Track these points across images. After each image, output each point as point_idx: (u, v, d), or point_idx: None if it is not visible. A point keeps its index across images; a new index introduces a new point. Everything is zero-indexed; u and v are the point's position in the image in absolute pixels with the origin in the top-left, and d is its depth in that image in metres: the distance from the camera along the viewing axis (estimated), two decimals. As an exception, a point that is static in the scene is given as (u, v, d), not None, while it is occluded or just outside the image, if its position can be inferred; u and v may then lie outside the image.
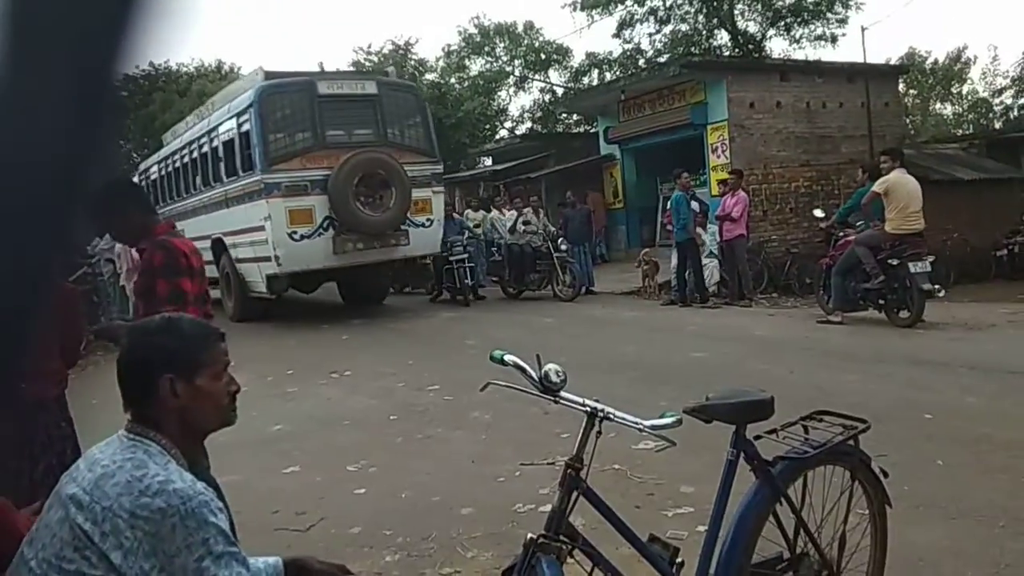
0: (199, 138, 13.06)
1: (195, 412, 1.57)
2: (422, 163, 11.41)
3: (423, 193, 11.27)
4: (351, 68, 25.58)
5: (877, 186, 8.40)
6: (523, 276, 12.85)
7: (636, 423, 2.09)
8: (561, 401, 2.07)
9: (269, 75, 10.91)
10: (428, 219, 11.42)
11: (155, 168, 16.28)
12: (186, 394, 1.55)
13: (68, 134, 0.66)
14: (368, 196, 10.58)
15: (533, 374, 2.04)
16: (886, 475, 2.55)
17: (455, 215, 13.90)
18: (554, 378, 2.02)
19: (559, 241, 12.59)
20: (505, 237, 13.37)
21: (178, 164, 14.58)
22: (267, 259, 10.46)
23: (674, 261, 11.45)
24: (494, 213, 14.87)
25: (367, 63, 25.65)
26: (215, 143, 12.05)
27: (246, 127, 10.70)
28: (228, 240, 11.51)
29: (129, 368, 1.56)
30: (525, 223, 13.01)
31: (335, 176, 10.30)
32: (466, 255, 12.37)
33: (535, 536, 1.98)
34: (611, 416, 2.07)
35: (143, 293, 3.07)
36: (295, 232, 10.30)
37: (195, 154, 13.38)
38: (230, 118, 11.33)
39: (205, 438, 1.66)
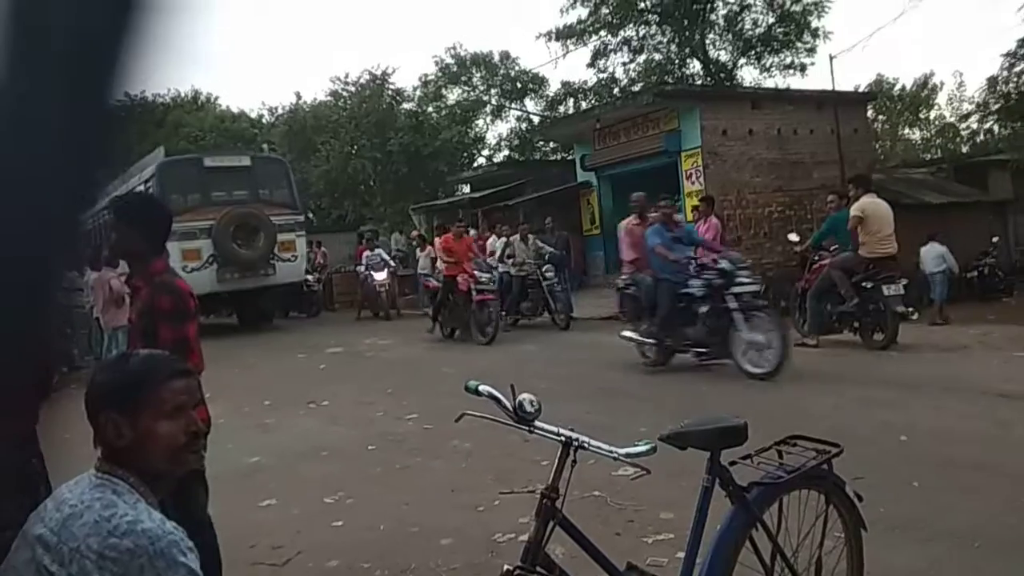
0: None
1: (143, 453, 1.49)
2: (287, 214, 15.21)
3: (288, 236, 15.00)
4: (328, 98, 25.79)
5: (855, 211, 8.51)
6: (517, 305, 12.63)
7: (611, 451, 2.10)
8: (536, 431, 2.07)
9: (168, 154, 15.14)
10: (293, 255, 15.12)
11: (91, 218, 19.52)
12: (130, 434, 1.48)
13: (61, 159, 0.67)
14: (243, 239, 14.25)
15: (507, 404, 2.05)
16: (860, 499, 2.56)
17: (529, 237, 13.08)
18: (528, 408, 2.03)
19: (543, 269, 12.31)
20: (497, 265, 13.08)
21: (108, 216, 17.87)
22: None
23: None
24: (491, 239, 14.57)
25: (344, 92, 25.75)
26: None
27: (151, 190, 13.63)
28: None
29: (84, 406, 1.52)
30: (509, 257, 12.76)
31: (217, 225, 13.97)
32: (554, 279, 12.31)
33: (511, 568, 1.97)
34: (586, 445, 2.08)
35: (143, 335, 2.91)
36: (187, 266, 13.29)
37: None
38: (141, 183, 14.22)
39: (167, 479, 1.56)
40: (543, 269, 12.30)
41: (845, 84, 37.62)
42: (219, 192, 14.55)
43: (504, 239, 13.55)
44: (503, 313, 12.10)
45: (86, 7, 0.67)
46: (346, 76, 26.01)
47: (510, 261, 12.73)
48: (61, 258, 0.76)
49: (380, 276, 15.81)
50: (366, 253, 16.75)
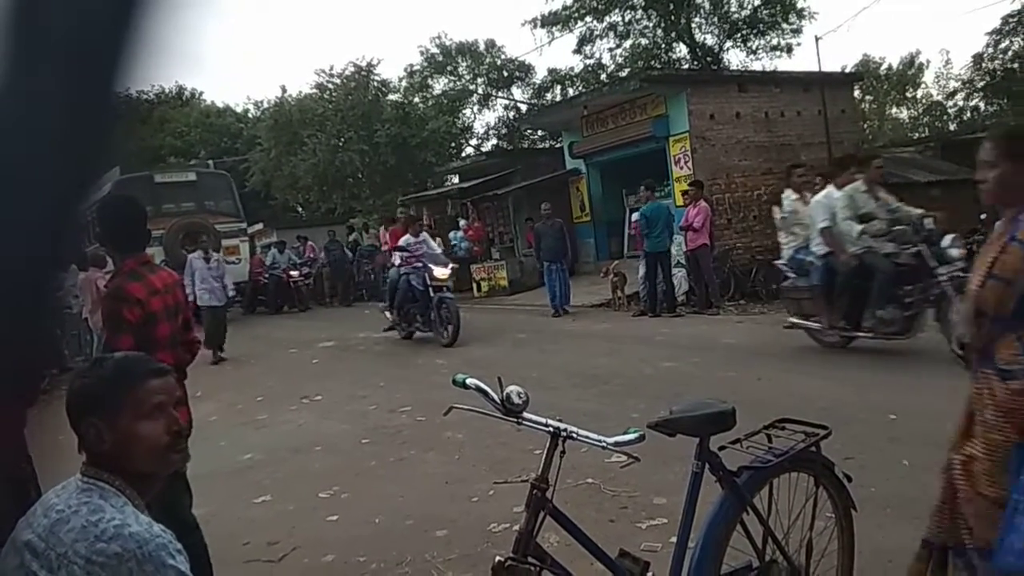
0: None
1: (126, 455, 1.48)
2: (231, 222, 17.29)
3: (232, 241, 17.01)
4: (314, 91, 25.68)
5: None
6: (860, 308, 7.07)
7: (599, 441, 2.11)
8: (524, 423, 2.07)
9: (123, 173, 15.55)
10: (237, 258, 16.88)
11: None
12: (112, 438, 1.47)
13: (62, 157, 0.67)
14: (190, 245, 14.81)
15: (495, 396, 2.05)
16: (849, 479, 2.58)
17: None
18: (516, 400, 2.03)
19: (947, 243, 6.74)
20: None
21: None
22: None
23: (641, 271, 11.49)
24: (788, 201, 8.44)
25: (330, 85, 25.60)
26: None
27: None
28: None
29: (66, 413, 1.52)
30: (867, 218, 7.11)
31: (167, 234, 15.56)
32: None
33: (503, 559, 1.97)
34: (574, 435, 2.08)
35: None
36: None
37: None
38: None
39: (153, 481, 1.55)
40: (946, 243, 6.70)
41: (831, 65, 37.85)
42: (169, 204, 16.50)
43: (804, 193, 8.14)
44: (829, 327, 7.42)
45: (87, 6, 0.67)
46: (331, 68, 25.83)
47: (857, 230, 7.02)
48: (57, 259, 0.76)
49: (441, 272, 10.53)
50: (406, 238, 11.13)
